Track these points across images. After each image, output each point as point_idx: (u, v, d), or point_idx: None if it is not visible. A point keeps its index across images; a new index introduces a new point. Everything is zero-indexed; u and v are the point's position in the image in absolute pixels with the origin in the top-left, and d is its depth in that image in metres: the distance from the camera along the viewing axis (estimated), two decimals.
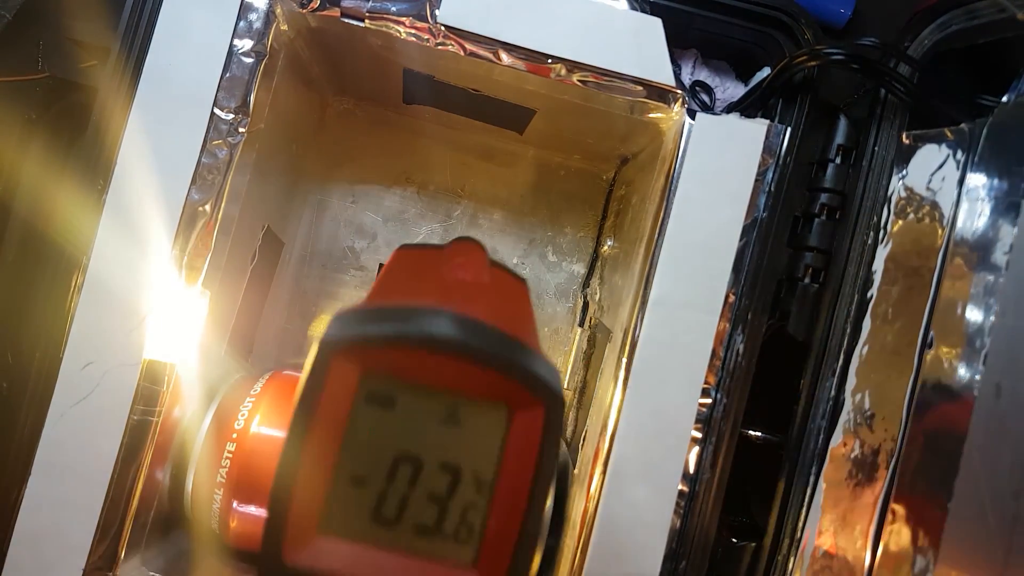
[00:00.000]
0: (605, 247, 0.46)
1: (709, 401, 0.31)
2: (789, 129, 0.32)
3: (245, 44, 0.30)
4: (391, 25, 0.31)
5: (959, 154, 0.29)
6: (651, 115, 0.34)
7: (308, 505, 0.15)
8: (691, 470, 0.30)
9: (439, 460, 0.15)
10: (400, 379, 0.15)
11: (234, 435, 0.32)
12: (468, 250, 0.21)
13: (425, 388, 0.15)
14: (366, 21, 0.31)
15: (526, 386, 0.15)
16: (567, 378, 0.45)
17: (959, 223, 0.29)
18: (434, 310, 0.15)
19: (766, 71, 0.33)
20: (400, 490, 0.15)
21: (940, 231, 0.29)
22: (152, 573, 0.30)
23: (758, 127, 0.32)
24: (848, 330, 0.31)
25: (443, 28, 0.31)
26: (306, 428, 0.14)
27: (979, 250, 0.27)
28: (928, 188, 0.30)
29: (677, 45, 0.34)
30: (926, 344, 0.28)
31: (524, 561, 0.15)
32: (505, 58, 0.31)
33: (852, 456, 0.30)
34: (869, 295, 0.31)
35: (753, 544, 0.32)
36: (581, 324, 0.45)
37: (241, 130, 0.30)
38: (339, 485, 0.15)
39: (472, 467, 0.16)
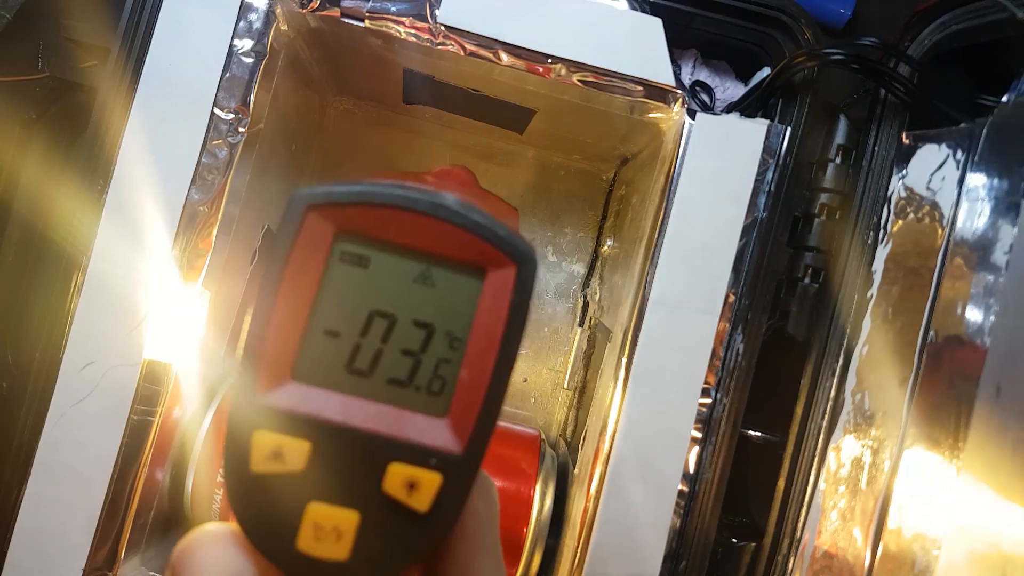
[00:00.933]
0: (605, 247, 0.46)
1: (709, 401, 0.31)
2: (789, 129, 0.32)
3: (245, 44, 0.30)
4: (391, 25, 0.31)
5: (959, 154, 0.29)
6: (651, 115, 0.34)
7: (282, 351, 0.15)
8: (691, 470, 0.30)
9: (413, 317, 0.16)
10: (374, 239, 0.16)
11: None
12: (457, 175, 0.21)
13: (399, 248, 0.16)
14: (366, 21, 0.31)
15: (499, 247, 0.16)
16: (567, 378, 0.45)
17: (959, 223, 0.29)
18: (408, 184, 0.16)
19: (766, 71, 0.33)
20: (374, 344, 0.16)
21: (940, 231, 0.29)
22: (152, 573, 0.30)
23: (758, 127, 0.32)
24: (848, 330, 0.31)
25: (443, 28, 0.31)
26: (280, 279, 0.15)
27: (979, 250, 0.27)
28: (928, 188, 0.30)
29: (677, 45, 0.34)
30: (926, 344, 0.28)
31: (491, 414, 0.16)
32: (505, 58, 0.31)
33: (852, 456, 0.30)
34: (869, 295, 0.31)
35: (753, 544, 0.32)
36: (581, 324, 0.45)
37: (241, 130, 0.30)
38: (313, 336, 0.16)
39: (445, 324, 0.16)
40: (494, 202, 0.21)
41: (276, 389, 0.15)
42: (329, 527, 0.15)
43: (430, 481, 0.15)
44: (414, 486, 0.15)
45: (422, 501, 0.15)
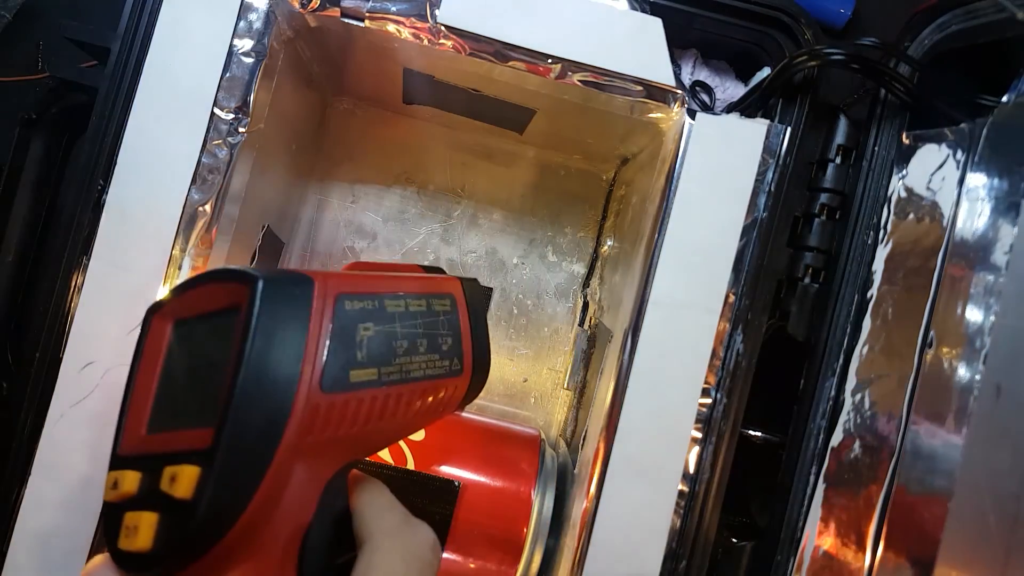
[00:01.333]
0: (605, 247, 0.46)
1: (709, 401, 0.31)
2: (789, 129, 0.32)
3: (245, 44, 0.30)
4: (391, 25, 0.31)
5: (959, 154, 0.29)
6: (651, 115, 0.34)
7: (138, 416, 0.21)
8: (691, 470, 0.30)
9: (209, 361, 0.20)
10: (188, 319, 0.22)
11: None
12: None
13: (199, 318, 0.22)
14: (366, 21, 0.31)
15: (237, 280, 0.20)
16: (567, 378, 0.45)
17: (959, 223, 0.29)
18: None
19: (766, 71, 0.33)
20: (188, 390, 0.21)
21: (940, 231, 0.29)
22: None
23: (758, 127, 0.32)
24: (848, 330, 0.31)
25: (443, 28, 0.31)
26: (136, 370, 0.22)
27: (979, 250, 0.27)
28: (928, 188, 0.30)
29: (677, 45, 0.34)
30: (926, 344, 0.28)
31: (230, 419, 0.18)
32: (505, 58, 0.31)
33: (852, 456, 0.30)
34: (869, 295, 0.31)
35: (753, 544, 0.32)
36: (581, 324, 0.45)
37: (241, 130, 0.30)
38: (159, 399, 0.21)
39: (221, 358, 0.20)
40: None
41: (128, 443, 0.21)
42: (131, 526, 0.19)
43: (189, 473, 0.18)
44: (174, 479, 0.18)
45: (183, 489, 0.18)
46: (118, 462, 0.21)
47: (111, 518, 0.20)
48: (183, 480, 0.18)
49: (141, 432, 0.21)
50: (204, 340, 0.21)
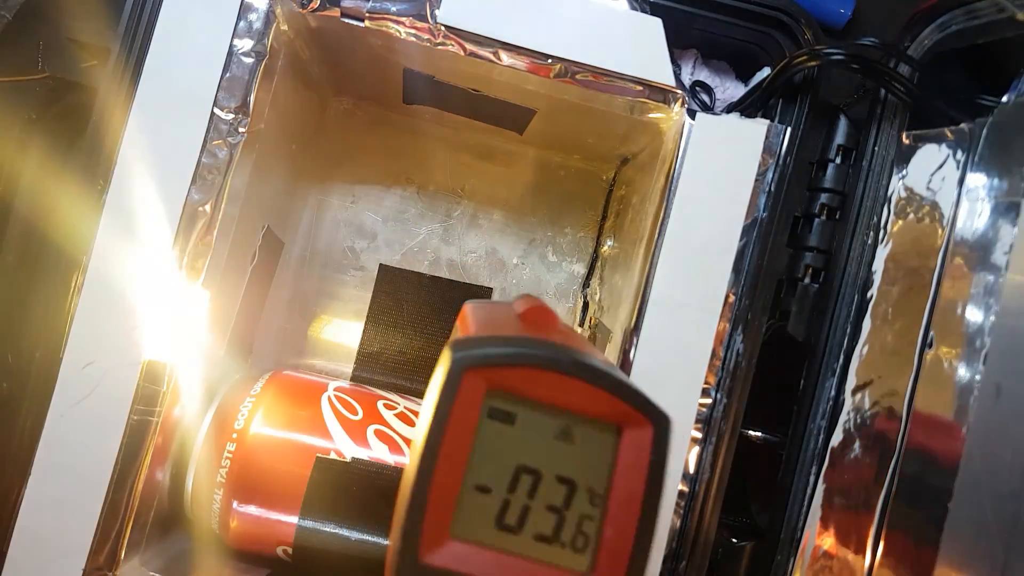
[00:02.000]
0: (605, 247, 0.46)
1: (709, 401, 0.31)
2: (789, 129, 0.32)
3: (245, 44, 0.30)
4: (391, 25, 0.31)
5: (959, 154, 0.29)
6: (651, 115, 0.34)
7: (441, 510, 0.16)
8: (691, 470, 0.30)
9: (555, 473, 0.17)
10: (520, 397, 0.17)
11: (234, 435, 0.32)
12: (543, 313, 0.22)
13: (542, 406, 0.17)
14: (366, 21, 0.31)
15: (636, 406, 0.17)
16: None
17: (959, 223, 0.29)
18: (548, 341, 0.17)
19: (766, 71, 0.33)
20: (521, 499, 0.17)
21: (940, 231, 0.29)
22: (152, 573, 0.30)
23: (758, 127, 0.32)
24: (848, 330, 0.31)
25: (443, 28, 0.31)
26: (440, 439, 0.16)
27: (979, 250, 0.27)
28: (928, 188, 0.30)
29: (677, 45, 0.34)
30: (926, 344, 0.28)
31: (637, 571, 0.17)
32: (505, 58, 0.31)
33: (852, 456, 0.30)
34: (869, 295, 0.31)
35: (753, 544, 0.32)
36: (581, 324, 0.45)
37: (241, 130, 0.30)
38: (468, 493, 0.16)
39: (586, 481, 0.17)
40: (575, 337, 0.23)
41: (438, 549, 0.16)
42: None
43: None
44: None
45: None
46: (420, 571, 0.16)
47: None
48: None
49: (445, 534, 0.16)
50: (553, 444, 0.17)
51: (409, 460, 0.17)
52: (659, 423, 0.17)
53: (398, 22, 0.31)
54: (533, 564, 0.17)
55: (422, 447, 0.16)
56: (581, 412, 0.17)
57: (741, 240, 0.31)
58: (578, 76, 0.32)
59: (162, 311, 0.29)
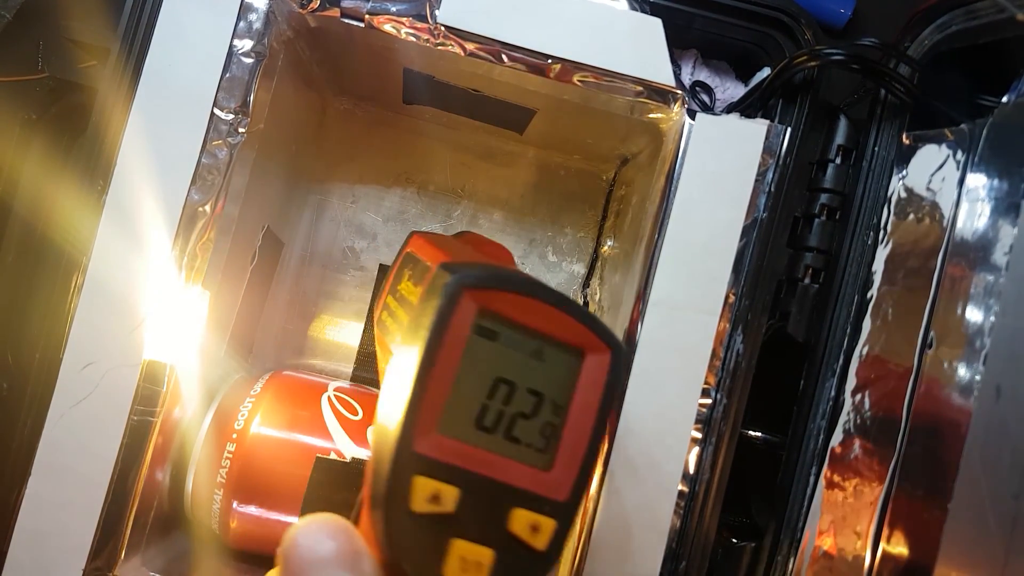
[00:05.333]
0: (605, 247, 0.46)
1: (709, 401, 0.31)
2: (789, 129, 0.32)
3: (245, 44, 0.30)
4: (391, 25, 0.31)
5: (959, 154, 0.29)
6: (651, 115, 0.34)
7: (432, 410, 0.18)
8: (691, 470, 0.30)
9: (527, 385, 0.19)
10: (504, 318, 0.19)
11: (234, 435, 0.32)
12: (476, 241, 0.26)
13: (521, 328, 0.19)
14: (366, 21, 0.31)
15: (598, 335, 0.20)
16: None
17: (959, 223, 0.29)
18: (527, 275, 0.20)
19: (766, 71, 0.33)
20: (497, 406, 0.19)
21: (940, 231, 0.29)
22: (152, 573, 0.30)
23: (758, 127, 0.32)
24: (848, 330, 0.31)
25: (443, 28, 0.31)
26: (437, 348, 0.18)
27: (979, 250, 0.27)
28: (928, 188, 0.30)
29: (677, 45, 0.34)
30: (926, 345, 0.28)
31: (588, 471, 0.19)
32: (505, 58, 0.31)
33: (852, 456, 0.30)
34: (869, 295, 0.31)
35: (753, 544, 0.32)
36: None
37: (241, 130, 0.30)
38: (454, 396, 0.19)
39: (552, 394, 0.20)
40: (499, 250, 0.28)
41: (427, 441, 0.18)
42: (472, 561, 0.18)
43: (547, 525, 0.18)
44: (536, 529, 0.18)
45: (542, 541, 0.18)
46: (414, 460, 0.18)
47: (423, 532, 0.18)
48: (543, 533, 0.18)
49: (434, 429, 0.18)
50: (527, 360, 0.20)
51: (403, 366, 0.19)
52: (616, 349, 0.20)
53: (398, 22, 0.31)
54: (504, 460, 0.19)
55: (422, 355, 0.18)
56: (553, 336, 0.19)
57: (741, 240, 0.31)
58: (578, 76, 0.32)
59: (162, 311, 0.29)
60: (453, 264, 0.20)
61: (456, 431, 0.19)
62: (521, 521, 0.18)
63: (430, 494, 0.18)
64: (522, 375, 0.19)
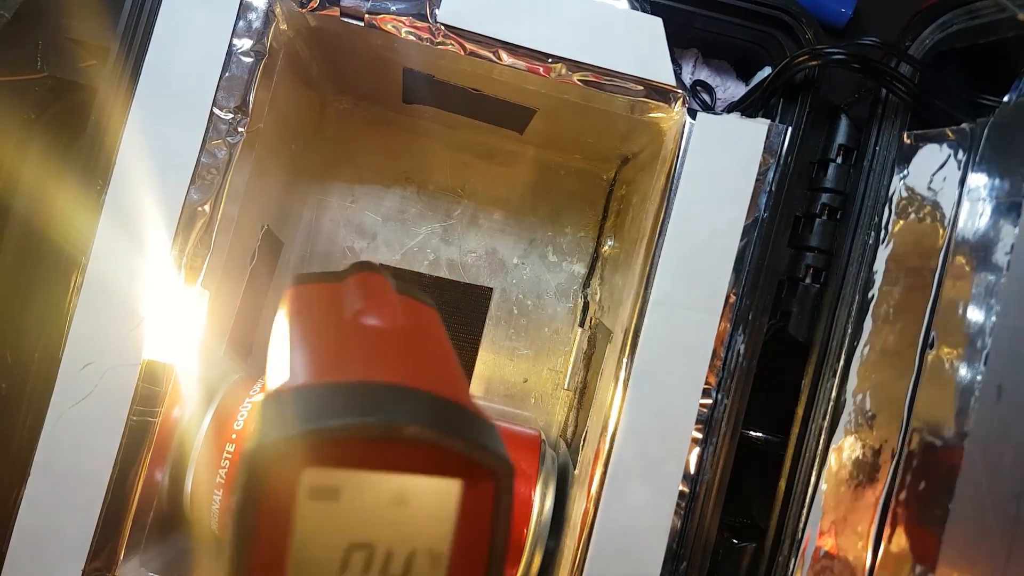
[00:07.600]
0: (605, 247, 0.46)
1: (710, 402, 0.31)
2: (790, 129, 0.32)
3: (245, 44, 0.30)
4: (391, 25, 0.31)
5: (960, 154, 0.29)
6: (651, 115, 0.34)
7: None
8: (692, 471, 0.30)
9: (391, 542, 0.15)
10: (344, 469, 0.15)
11: (233, 435, 0.32)
12: (370, 281, 0.20)
13: (370, 474, 0.15)
14: (365, 21, 0.31)
15: (477, 459, 0.15)
16: (567, 378, 0.45)
17: (960, 223, 0.28)
18: (370, 386, 0.15)
19: (767, 71, 0.33)
20: None
21: (941, 231, 0.29)
22: (151, 574, 0.30)
23: (759, 127, 0.32)
24: (849, 330, 0.31)
25: (443, 28, 0.31)
26: (251, 537, 0.14)
27: (980, 250, 0.27)
28: (929, 188, 0.30)
29: (678, 45, 0.34)
30: (927, 345, 0.28)
31: None
32: (505, 58, 0.31)
33: (853, 457, 0.30)
34: (870, 295, 0.31)
35: (754, 545, 0.32)
36: (581, 324, 0.45)
37: (241, 130, 0.30)
38: None
39: (426, 544, 0.16)
40: (413, 306, 0.20)
41: None
42: None
43: None
44: None
45: None
46: None
47: None
48: None
49: None
50: (385, 512, 0.15)
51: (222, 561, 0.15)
52: (501, 472, 0.15)
53: (398, 22, 0.31)
54: None
55: (233, 545, 0.14)
56: (415, 471, 0.15)
57: (742, 240, 0.31)
58: (578, 76, 0.32)
59: (161, 311, 0.29)
60: (273, 401, 0.15)
61: None
62: None
63: None
64: (382, 532, 0.15)
